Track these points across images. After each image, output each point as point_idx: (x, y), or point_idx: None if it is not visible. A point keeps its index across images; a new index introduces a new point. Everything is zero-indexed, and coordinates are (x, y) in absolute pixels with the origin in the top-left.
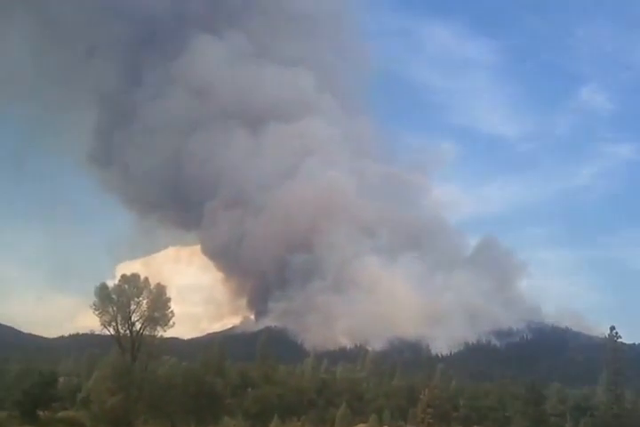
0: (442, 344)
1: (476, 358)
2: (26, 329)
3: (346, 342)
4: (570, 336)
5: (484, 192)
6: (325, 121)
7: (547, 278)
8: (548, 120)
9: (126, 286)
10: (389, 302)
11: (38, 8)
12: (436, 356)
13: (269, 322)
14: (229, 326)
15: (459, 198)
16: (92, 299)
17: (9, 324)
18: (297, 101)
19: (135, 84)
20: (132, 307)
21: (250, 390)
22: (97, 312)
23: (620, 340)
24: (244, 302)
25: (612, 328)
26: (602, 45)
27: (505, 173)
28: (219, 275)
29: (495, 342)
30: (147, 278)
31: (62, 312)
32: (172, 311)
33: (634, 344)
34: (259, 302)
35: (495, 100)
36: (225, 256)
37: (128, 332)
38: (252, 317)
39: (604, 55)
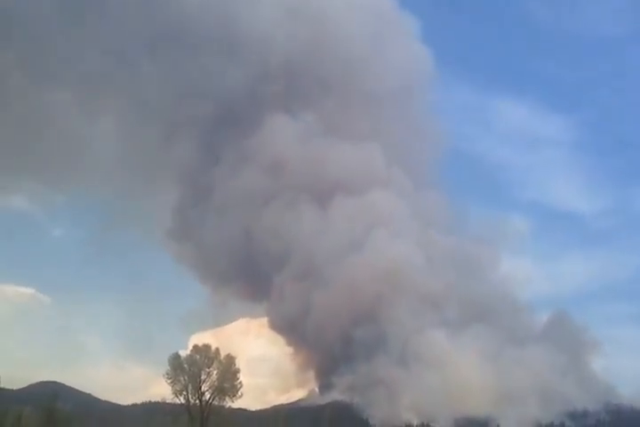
0: (512, 424)
1: None
2: (102, 396)
3: (412, 419)
4: None
5: (556, 268)
6: (394, 194)
7: (624, 357)
8: (624, 195)
9: (198, 357)
10: (456, 378)
11: (125, 89)
12: None
13: (335, 396)
14: (295, 398)
15: (530, 273)
16: (166, 368)
17: (87, 391)
18: (365, 176)
19: (212, 162)
20: (203, 377)
21: None
22: (169, 381)
23: None
24: (310, 374)
25: None
26: None
27: (580, 249)
28: (286, 347)
29: (570, 423)
30: (217, 349)
31: (137, 381)
32: (240, 382)
33: None
34: (324, 376)
35: (569, 175)
36: (291, 329)
37: (198, 401)
38: (317, 390)
39: None
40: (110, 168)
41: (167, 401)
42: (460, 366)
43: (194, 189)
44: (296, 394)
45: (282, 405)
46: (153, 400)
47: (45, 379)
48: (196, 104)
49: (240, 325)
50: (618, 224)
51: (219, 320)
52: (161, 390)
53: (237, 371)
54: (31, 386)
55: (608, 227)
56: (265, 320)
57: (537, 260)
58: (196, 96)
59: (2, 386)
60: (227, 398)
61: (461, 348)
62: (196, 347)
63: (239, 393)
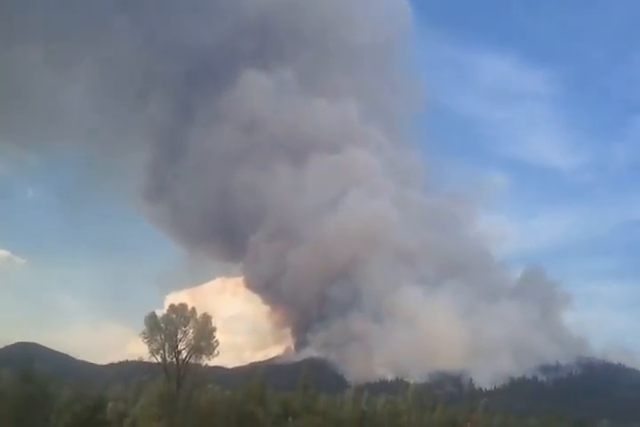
0: (485, 378)
1: (520, 393)
2: (79, 356)
3: (387, 374)
4: (621, 373)
5: (532, 224)
6: (370, 152)
7: (596, 312)
8: (603, 150)
9: (174, 316)
10: (430, 334)
11: (98, 48)
12: (479, 390)
13: (310, 353)
14: (272, 355)
15: (506, 230)
16: (142, 328)
17: (64, 351)
18: (341, 133)
19: (186, 120)
20: (179, 336)
21: (290, 419)
22: (146, 340)
23: None
24: (286, 332)
25: None
26: None
27: (556, 205)
28: (262, 306)
29: (542, 377)
30: (194, 308)
31: (113, 341)
32: (216, 341)
33: None
34: (300, 333)
35: (548, 130)
36: (267, 288)
37: (174, 360)
38: (293, 347)
39: None
40: (83, 128)
41: (144, 360)
42: (434, 321)
43: (168, 148)
44: (272, 351)
45: (258, 362)
46: (130, 360)
47: (22, 340)
48: (169, 62)
49: (216, 284)
50: (595, 180)
51: (195, 280)
52: (137, 350)
53: (214, 329)
54: (8, 347)
55: (586, 182)
56: (241, 280)
57: (513, 216)
58: (170, 53)
59: None
60: (203, 357)
61: (436, 304)
62: (172, 306)
63: (216, 351)
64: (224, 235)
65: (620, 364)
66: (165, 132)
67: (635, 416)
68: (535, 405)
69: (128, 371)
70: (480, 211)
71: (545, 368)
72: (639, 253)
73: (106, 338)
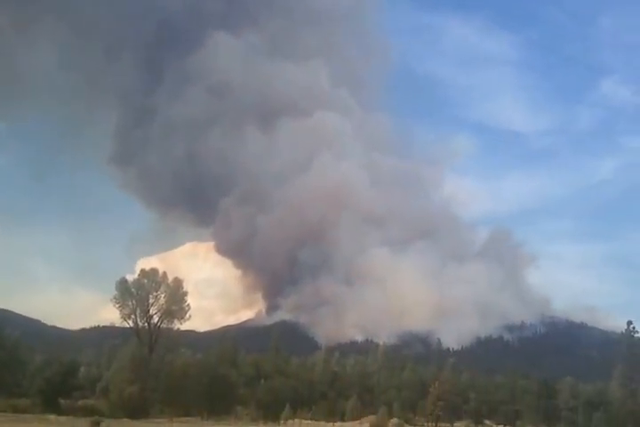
0: (453, 338)
1: (487, 352)
2: (50, 322)
3: (357, 336)
4: (584, 331)
5: (499, 187)
6: (339, 115)
7: (559, 273)
8: (568, 114)
9: (145, 281)
10: (399, 295)
11: (63, 11)
12: (447, 349)
13: (282, 316)
14: (243, 319)
15: (472, 192)
16: (113, 293)
17: (35, 317)
18: (311, 97)
19: (154, 84)
20: (151, 300)
21: (262, 381)
22: (117, 305)
23: (637, 335)
24: (257, 296)
25: (630, 323)
26: (625, 37)
27: (522, 167)
28: (234, 270)
29: (507, 336)
30: (165, 273)
31: (85, 306)
32: (188, 305)
33: None
34: (271, 297)
35: (514, 94)
36: (238, 253)
37: (146, 324)
38: (265, 311)
39: (627, 47)
40: (50, 92)
41: (116, 325)
42: (402, 283)
43: (136, 112)
44: (244, 315)
45: (230, 326)
46: (102, 325)
47: None
48: (136, 24)
49: (187, 249)
50: (559, 143)
51: (165, 245)
52: (109, 315)
53: (185, 294)
54: None
55: (550, 146)
56: (212, 244)
57: (480, 179)
58: (138, 15)
59: None
60: (175, 321)
61: (404, 266)
62: (143, 271)
63: (187, 315)
64: (194, 200)
65: (582, 322)
66: (133, 96)
67: (597, 374)
68: (501, 363)
69: (100, 336)
70: (447, 174)
71: (510, 327)
72: (602, 215)
73: (77, 303)
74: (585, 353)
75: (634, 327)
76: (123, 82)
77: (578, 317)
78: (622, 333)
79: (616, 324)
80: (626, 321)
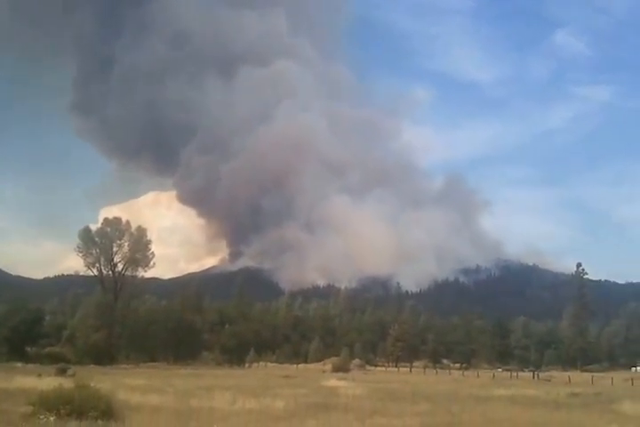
0: (411, 281)
1: (444, 294)
2: (14, 271)
3: (319, 281)
4: (536, 273)
5: (455, 136)
6: (299, 65)
7: (512, 218)
8: (522, 64)
9: (108, 230)
10: (359, 241)
11: None
12: (406, 293)
13: (246, 262)
14: (207, 266)
15: (430, 141)
16: (77, 242)
17: None
18: (271, 46)
19: (114, 32)
20: (115, 249)
21: (227, 326)
22: (81, 254)
23: (586, 276)
24: (221, 243)
25: (579, 265)
26: None
27: (477, 117)
28: (197, 218)
29: (463, 279)
30: (128, 222)
31: (48, 255)
32: (152, 253)
33: (599, 281)
34: (235, 244)
35: (470, 45)
36: (201, 202)
37: (110, 273)
38: (228, 258)
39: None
40: (8, 43)
41: (80, 274)
42: (362, 229)
43: (96, 61)
44: (207, 262)
45: (194, 273)
46: (66, 274)
47: None
48: None
49: (150, 198)
50: (513, 93)
51: (128, 194)
52: (73, 264)
53: (149, 242)
54: None
55: (504, 95)
56: (175, 193)
57: (436, 128)
58: None
59: None
60: (139, 269)
61: (363, 212)
62: (106, 220)
63: (151, 263)
64: (156, 149)
65: (534, 265)
66: (93, 45)
67: (548, 314)
68: (457, 305)
69: (64, 285)
70: (405, 124)
71: (466, 271)
72: (553, 162)
73: (41, 253)
74: (537, 294)
75: (583, 269)
76: (82, 32)
77: (530, 260)
78: (572, 274)
79: (566, 266)
80: (575, 263)
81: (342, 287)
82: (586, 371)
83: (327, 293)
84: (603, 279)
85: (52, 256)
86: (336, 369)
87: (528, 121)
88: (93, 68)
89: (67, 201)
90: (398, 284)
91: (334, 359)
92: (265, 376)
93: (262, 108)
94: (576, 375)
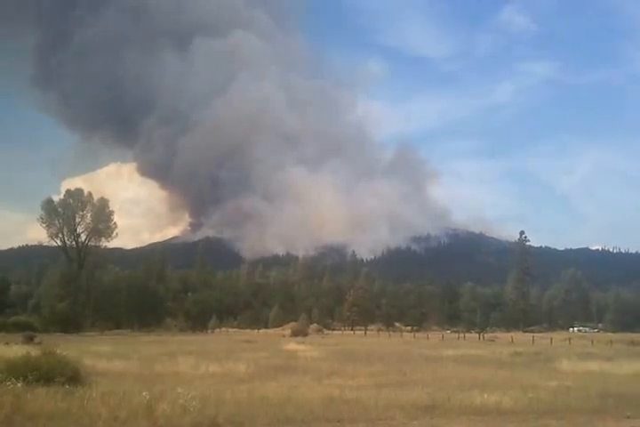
0: (366, 249)
1: (397, 261)
2: None
3: (278, 249)
4: (482, 241)
5: (407, 109)
6: (256, 36)
7: (460, 187)
8: (470, 39)
9: (71, 201)
10: (316, 210)
11: None
12: (361, 260)
13: (207, 232)
14: (169, 236)
15: (382, 114)
16: (39, 213)
17: None
18: (227, 17)
19: (69, 5)
20: (77, 220)
21: (190, 294)
22: (44, 225)
23: (528, 243)
24: (182, 214)
25: (522, 233)
26: None
27: (428, 91)
28: (159, 190)
29: (415, 246)
30: (90, 193)
31: (12, 226)
32: (114, 223)
33: (540, 247)
34: (196, 215)
35: (420, 20)
36: (161, 174)
37: (74, 243)
38: (190, 228)
39: None
40: None
41: (44, 244)
42: (318, 199)
43: (53, 35)
44: (169, 233)
45: (156, 243)
46: (30, 244)
47: None
48: None
49: (111, 170)
50: (462, 68)
51: (89, 166)
52: (37, 235)
53: (111, 213)
54: None
55: (453, 70)
56: (135, 165)
57: (390, 102)
58: None
59: None
60: (102, 239)
61: (319, 182)
62: (68, 191)
63: (114, 233)
64: (117, 121)
65: (481, 233)
66: (50, 17)
67: (494, 278)
68: (410, 272)
69: (28, 255)
70: (359, 97)
71: (417, 239)
72: (498, 135)
73: (4, 224)
74: (483, 260)
75: (525, 237)
76: (38, 4)
77: (477, 228)
78: (515, 242)
79: (510, 234)
80: (518, 231)
81: (300, 256)
82: (527, 332)
83: (286, 261)
84: (544, 246)
85: (15, 227)
86: (295, 334)
87: (475, 95)
88: (50, 40)
89: (28, 173)
90: (354, 252)
91: (293, 324)
92: (227, 341)
93: (219, 81)
94: (518, 336)
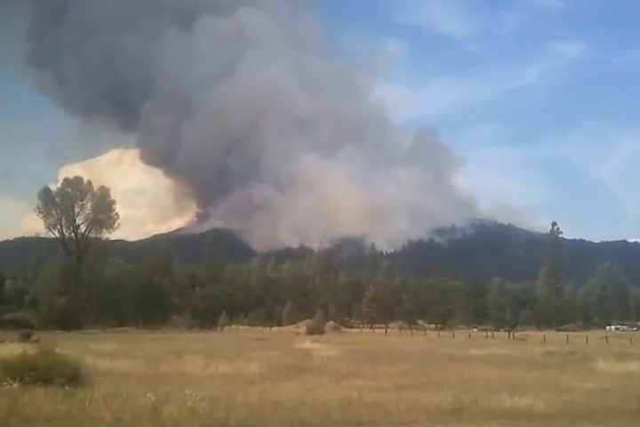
0: (385, 241)
1: (419, 255)
2: None
3: (291, 242)
4: (511, 232)
5: (428, 92)
6: (265, 14)
7: (487, 175)
8: (495, 19)
9: (69, 190)
10: (331, 200)
11: None
12: (381, 253)
13: (214, 223)
14: (174, 228)
15: (403, 97)
16: (36, 202)
17: None
18: None
19: None
20: (77, 210)
21: (197, 289)
22: (41, 215)
23: (561, 235)
24: (189, 204)
25: (554, 224)
26: None
27: (450, 73)
28: (164, 178)
29: (438, 239)
30: (90, 182)
31: (6, 217)
32: (116, 214)
33: (574, 240)
34: (203, 205)
35: None
36: (164, 161)
37: (73, 235)
38: (196, 219)
39: None
40: None
41: (41, 236)
42: (333, 187)
43: (50, 13)
44: (175, 224)
45: (161, 234)
46: (26, 236)
47: None
48: None
49: (112, 156)
50: (487, 48)
51: (89, 152)
52: (33, 226)
53: (113, 202)
54: None
55: (477, 51)
56: (138, 151)
57: (410, 84)
58: None
59: None
60: (103, 230)
61: (334, 170)
62: (66, 180)
63: (116, 224)
64: (116, 104)
65: (509, 224)
66: None
67: (524, 273)
68: (432, 265)
69: (25, 248)
70: (378, 79)
71: (440, 230)
72: (525, 120)
73: None
74: (512, 253)
75: (558, 228)
76: None
77: (505, 219)
78: (547, 233)
79: (541, 224)
80: (550, 222)
81: (315, 248)
82: (561, 330)
83: (300, 254)
84: (578, 238)
85: (10, 218)
86: (310, 331)
87: (501, 77)
88: (48, 20)
89: (24, 159)
90: (372, 244)
91: (308, 321)
92: (237, 339)
93: (226, 62)
94: (551, 335)
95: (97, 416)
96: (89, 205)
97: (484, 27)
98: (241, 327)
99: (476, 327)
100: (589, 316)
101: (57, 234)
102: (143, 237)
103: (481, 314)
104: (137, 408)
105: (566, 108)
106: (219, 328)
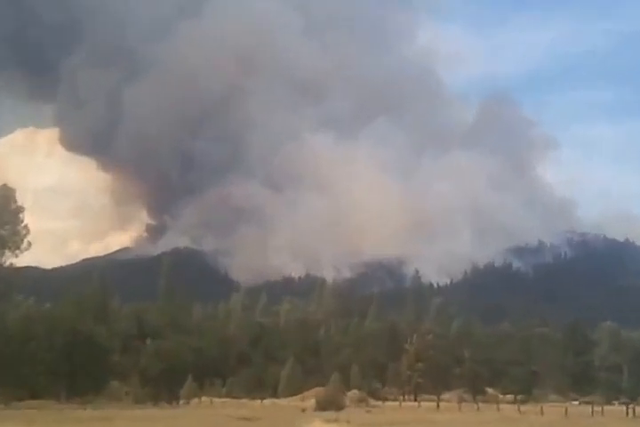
0: (436, 268)
1: (488, 288)
2: None
3: (292, 268)
4: (628, 252)
5: (496, 39)
6: None
7: (591, 165)
8: None
9: None
10: (352, 204)
11: None
12: (430, 285)
13: (175, 241)
14: (115, 248)
15: (459, 47)
16: None
17: None
18: None
19: None
20: None
21: (149, 341)
22: None
23: None
24: (135, 210)
25: None
26: None
27: (528, 12)
28: (96, 172)
29: (518, 262)
30: None
31: None
32: (25, 227)
33: None
34: (157, 212)
35: None
36: (98, 146)
37: None
38: (147, 234)
39: None
40: None
41: None
42: (355, 185)
43: None
44: (114, 241)
45: (93, 258)
46: None
47: None
48: None
49: (18, 138)
50: None
51: None
52: None
53: (20, 210)
54: None
55: None
56: (57, 131)
57: (472, 27)
58: None
59: None
60: (7, 253)
61: (357, 158)
62: None
63: (24, 243)
64: (22, 60)
65: (626, 240)
66: None
67: None
68: (508, 302)
69: None
70: (423, 18)
71: (521, 250)
72: None
73: None
74: (632, 285)
75: None
76: None
77: (619, 232)
78: None
79: None
80: None
81: (329, 279)
82: None
83: (306, 287)
84: None
85: None
86: (322, 406)
87: (617, 15)
88: None
89: None
90: (417, 271)
91: (319, 391)
92: (211, 420)
93: None
94: None
95: None
96: None
97: None
98: (216, 400)
99: (576, 399)
100: None
101: None
102: (66, 262)
103: (584, 378)
104: None
105: None
106: (182, 402)
